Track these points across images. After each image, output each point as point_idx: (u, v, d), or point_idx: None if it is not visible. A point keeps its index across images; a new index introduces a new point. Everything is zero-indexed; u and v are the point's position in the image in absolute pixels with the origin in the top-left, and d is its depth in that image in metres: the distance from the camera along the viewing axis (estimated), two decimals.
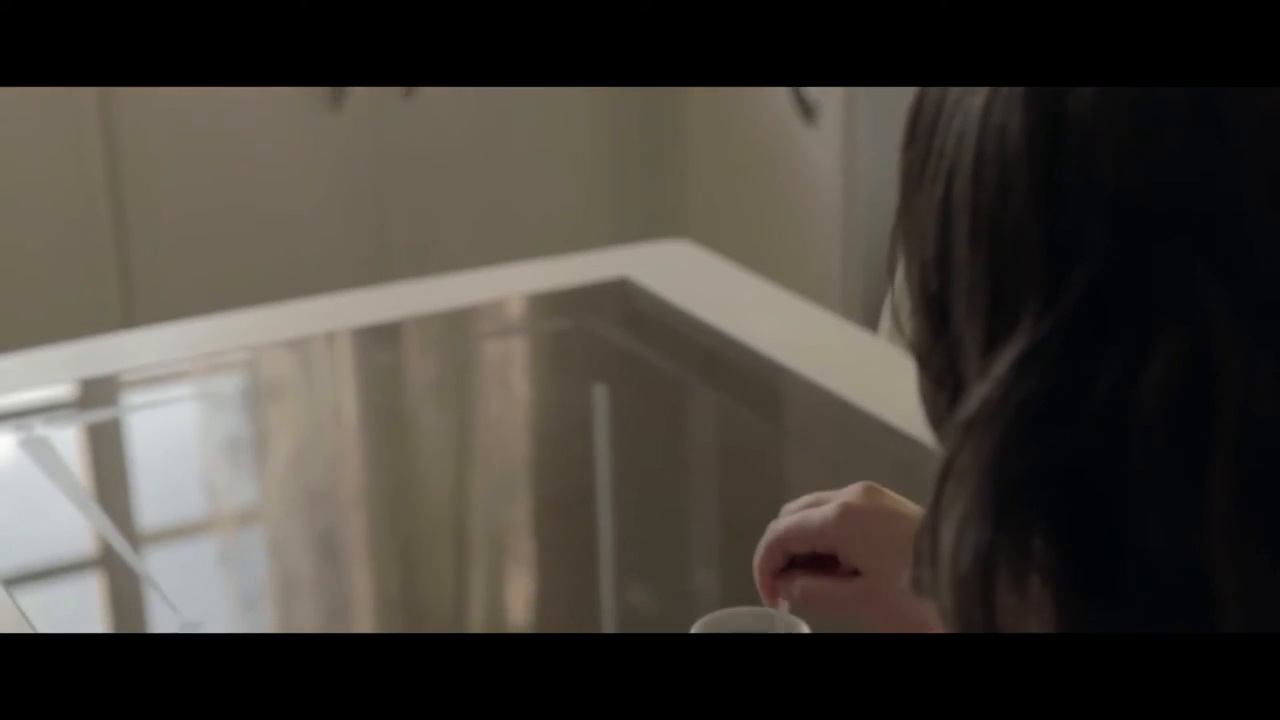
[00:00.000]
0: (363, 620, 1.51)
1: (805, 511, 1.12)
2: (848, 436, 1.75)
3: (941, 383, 0.61)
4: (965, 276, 0.59)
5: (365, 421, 1.90)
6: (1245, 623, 0.54)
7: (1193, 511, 0.54)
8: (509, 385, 1.99)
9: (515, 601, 1.57)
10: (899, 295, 0.65)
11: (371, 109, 3.02)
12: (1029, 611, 0.58)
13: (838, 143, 2.85)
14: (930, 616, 0.63)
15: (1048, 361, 0.56)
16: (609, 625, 1.49)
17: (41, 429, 1.74)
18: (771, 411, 1.89)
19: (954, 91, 0.59)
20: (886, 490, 0.98)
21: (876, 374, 1.81)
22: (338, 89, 2.91)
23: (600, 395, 1.91)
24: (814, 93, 2.85)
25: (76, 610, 1.51)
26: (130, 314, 2.94)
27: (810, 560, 1.15)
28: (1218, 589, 0.54)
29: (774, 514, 1.71)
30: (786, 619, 1.21)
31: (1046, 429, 0.56)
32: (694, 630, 1.20)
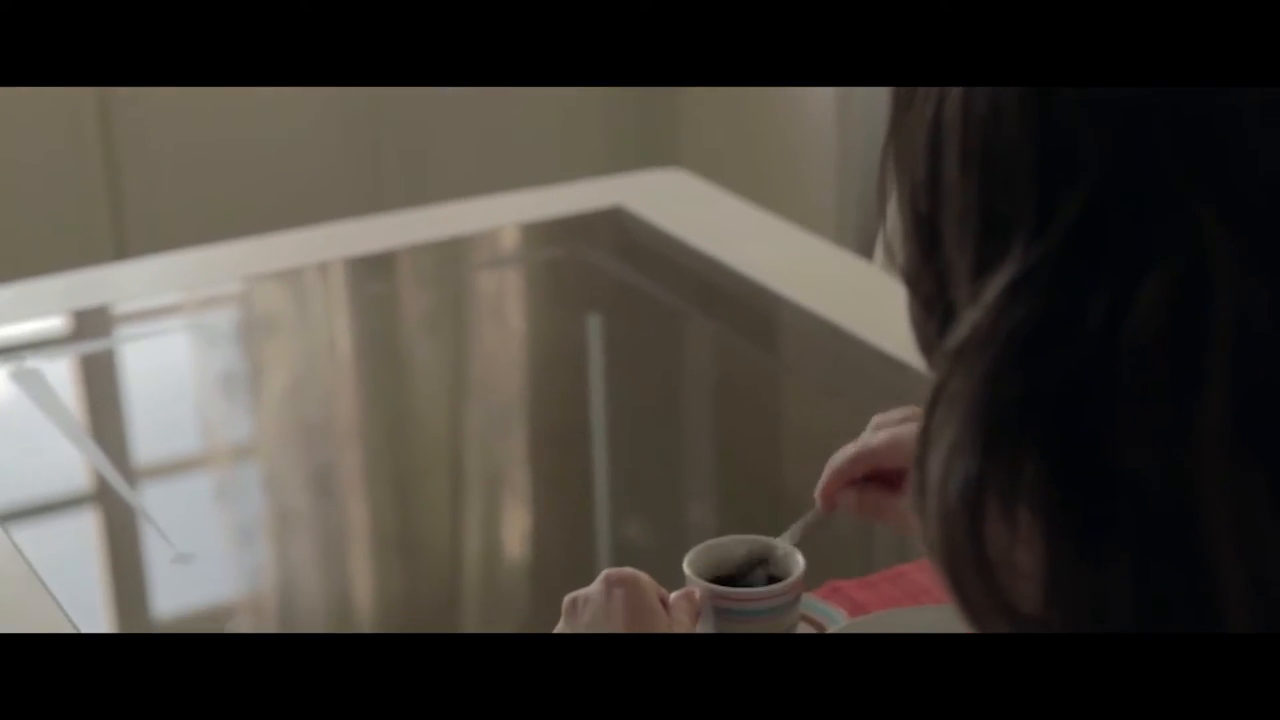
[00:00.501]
0: (358, 554, 1.51)
1: (901, 427, 1.16)
2: (844, 365, 1.75)
3: (931, 308, 0.60)
4: (956, 200, 0.58)
5: (360, 354, 1.89)
6: (1236, 551, 0.53)
7: (1185, 436, 0.53)
8: (503, 316, 1.99)
9: (511, 534, 1.57)
10: (891, 219, 0.64)
11: None
12: (1017, 543, 0.56)
13: None
14: None
15: (1039, 287, 0.55)
16: (604, 558, 1.49)
17: (33, 361, 1.73)
18: (767, 340, 1.89)
19: None
20: None
21: (872, 302, 1.81)
22: None
23: (595, 325, 1.91)
24: None
25: (71, 546, 1.51)
26: (122, 245, 2.93)
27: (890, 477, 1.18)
28: (1208, 515, 0.54)
29: (769, 443, 1.71)
30: (786, 548, 1.21)
31: (1037, 356, 0.55)
32: (687, 558, 1.20)
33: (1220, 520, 0.54)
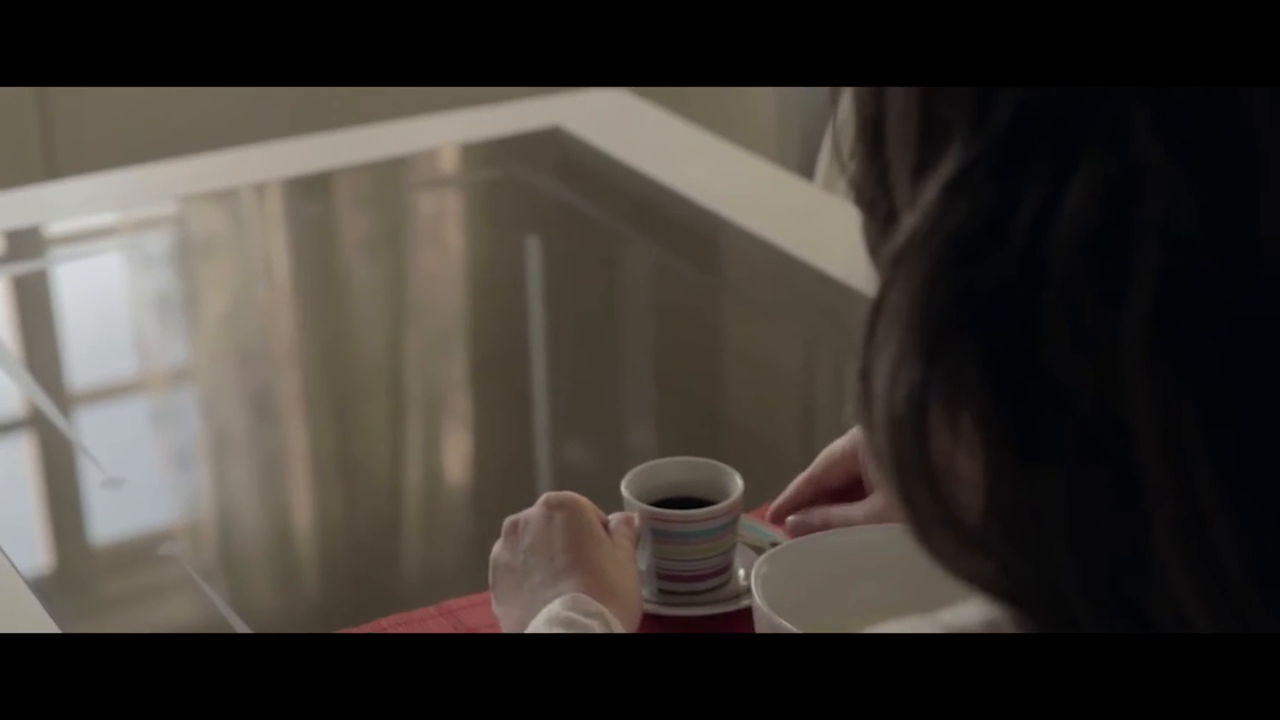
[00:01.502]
0: (296, 478, 1.50)
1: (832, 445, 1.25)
2: (785, 287, 1.74)
3: (876, 214, 0.60)
4: (898, 101, 0.57)
5: (297, 276, 1.87)
6: (1162, 459, 0.53)
7: (1111, 339, 0.53)
8: (442, 237, 1.97)
9: (450, 457, 1.56)
10: (840, 126, 0.63)
11: None
12: (960, 452, 0.56)
13: None
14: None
15: (975, 188, 0.54)
16: (544, 480, 1.49)
17: None
18: (707, 262, 1.88)
19: None
20: None
21: (813, 223, 1.80)
22: None
23: (534, 247, 1.89)
24: None
25: (4, 472, 1.49)
26: (53, 164, 2.89)
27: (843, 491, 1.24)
28: (1135, 422, 0.53)
29: (709, 365, 1.71)
30: (723, 468, 1.21)
31: (973, 259, 0.54)
32: (625, 480, 1.20)
33: (1146, 426, 0.53)
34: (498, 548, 1.15)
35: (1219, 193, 0.52)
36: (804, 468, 1.50)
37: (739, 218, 1.81)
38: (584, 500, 1.16)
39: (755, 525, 1.25)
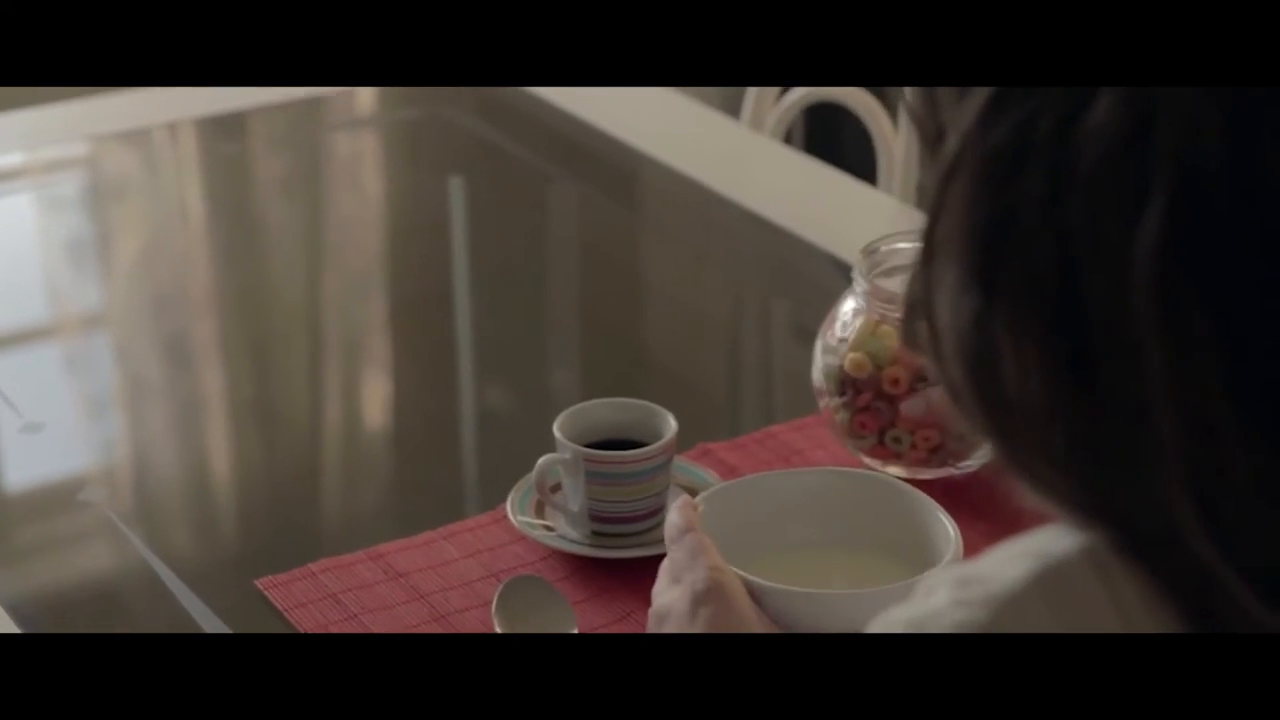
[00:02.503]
0: (214, 423, 1.47)
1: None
2: (711, 225, 1.73)
3: (926, 136, 0.60)
4: None
5: (212, 218, 1.84)
6: (1169, 382, 0.52)
7: (1123, 260, 0.52)
8: (361, 179, 1.94)
9: (371, 402, 1.54)
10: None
11: None
12: (1028, 379, 0.55)
13: None
14: None
15: (1008, 109, 0.54)
16: (467, 426, 1.47)
17: None
18: (633, 202, 1.86)
19: None
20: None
21: (739, 161, 1.79)
22: None
23: (456, 188, 1.87)
24: None
25: None
26: None
27: None
28: (1144, 349, 0.53)
29: (635, 307, 1.69)
30: (657, 409, 1.20)
31: (1008, 179, 0.54)
32: (558, 421, 1.18)
33: (1154, 353, 0.52)
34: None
35: (1238, 114, 0.52)
36: (733, 410, 1.49)
37: (665, 157, 1.79)
38: (734, 584, 0.94)
39: (689, 467, 1.24)
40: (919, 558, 1.02)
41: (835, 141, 2.06)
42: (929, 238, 0.57)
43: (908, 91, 0.61)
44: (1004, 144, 0.54)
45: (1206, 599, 0.54)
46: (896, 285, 1.20)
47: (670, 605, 0.93)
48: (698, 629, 0.91)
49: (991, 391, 0.56)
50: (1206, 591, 0.54)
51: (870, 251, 1.22)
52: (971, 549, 1.14)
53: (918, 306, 0.59)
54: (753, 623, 0.92)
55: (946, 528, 1.00)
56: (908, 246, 1.22)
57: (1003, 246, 0.55)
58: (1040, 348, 0.55)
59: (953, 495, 1.13)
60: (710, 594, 0.92)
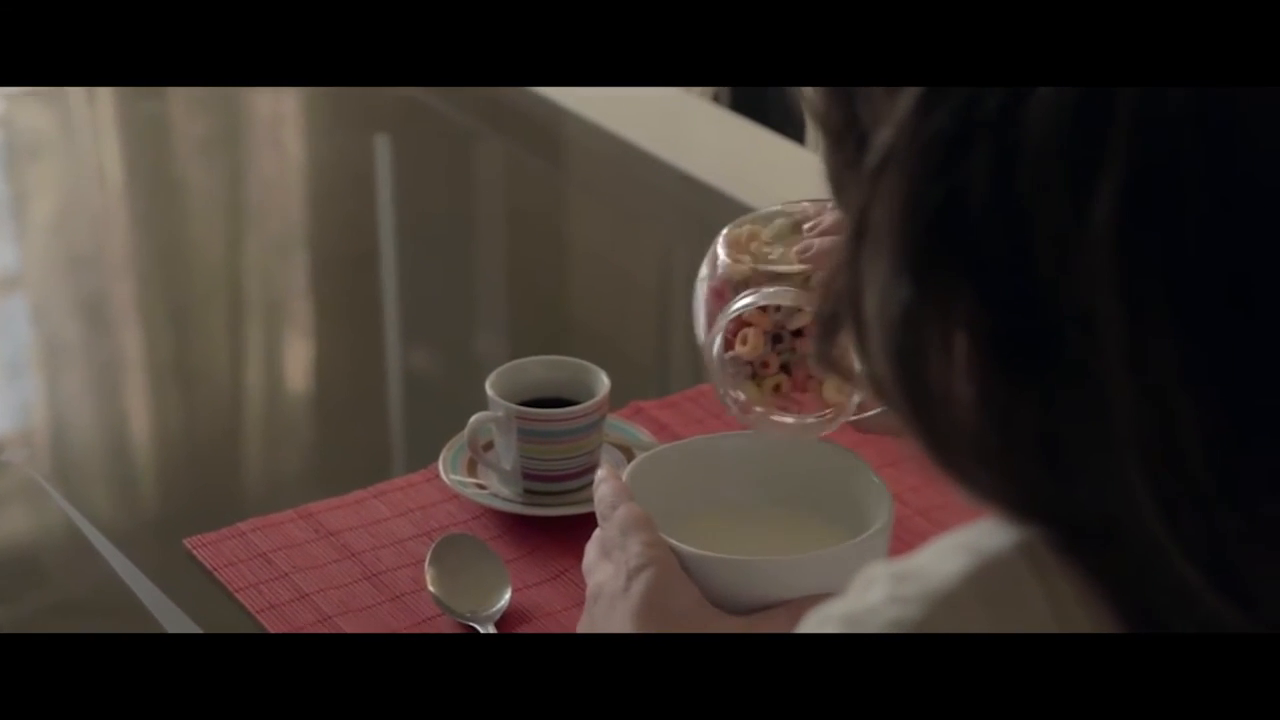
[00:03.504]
0: (133, 386, 1.45)
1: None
2: (639, 184, 1.72)
3: (843, 141, 0.58)
4: None
5: (131, 179, 1.81)
6: (1128, 361, 0.51)
7: (1078, 238, 0.51)
8: (282, 139, 1.91)
9: (293, 364, 1.52)
10: None
11: None
12: (956, 370, 0.54)
13: None
14: None
15: (950, 92, 0.53)
16: (394, 387, 1.45)
17: None
18: (560, 160, 1.85)
19: None
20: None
21: (668, 119, 1.78)
22: None
23: (382, 147, 1.84)
24: None
25: None
26: None
27: None
28: (1101, 323, 0.51)
29: (562, 267, 1.68)
30: (589, 367, 1.19)
31: (953, 161, 0.53)
32: (490, 379, 1.16)
33: (1111, 332, 0.51)
34: (582, 621, 0.96)
35: (1196, 87, 0.51)
36: (661, 371, 1.48)
37: (592, 115, 1.78)
38: (667, 559, 0.91)
39: (622, 425, 1.23)
40: (853, 520, 1.01)
41: (762, 100, 2.05)
42: (857, 229, 0.56)
43: (818, 97, 0.59)
44: (946, 127, 0.53)
45: (1145, 595, 0.53)
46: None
47: (603, 584, 0.91)
48: (631, 605, 0.89)
49: (921, 387, 0.55)
50: (1146, 587, 0.53)
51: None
52: (905, 507, 1.14)
53: (842, 302, 0.57)
54: (687, 597, 0.90)
55: (879, 488, 1.00)
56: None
57: (946, 232, 0.53)
58: (979, 339, 0.54)
59: (886, 454, 1.13)
60: (643, 571, 0.90)
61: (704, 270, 1.01)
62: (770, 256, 1.00)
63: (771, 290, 0.97)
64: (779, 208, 1.04)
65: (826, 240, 0.97)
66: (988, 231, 0.52)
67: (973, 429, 0.55)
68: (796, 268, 0.98)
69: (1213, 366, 0.51)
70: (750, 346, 0.98)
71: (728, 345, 0.99)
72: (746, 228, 1.01)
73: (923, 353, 0.55)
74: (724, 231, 1.02)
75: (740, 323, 0.98)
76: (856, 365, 0.58)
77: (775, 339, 0.99)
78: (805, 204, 1.04)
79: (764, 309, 0.97)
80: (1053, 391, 0.53)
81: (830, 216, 0.99)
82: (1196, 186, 0.51)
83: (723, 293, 0.99)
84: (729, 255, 0.99)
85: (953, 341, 0.54)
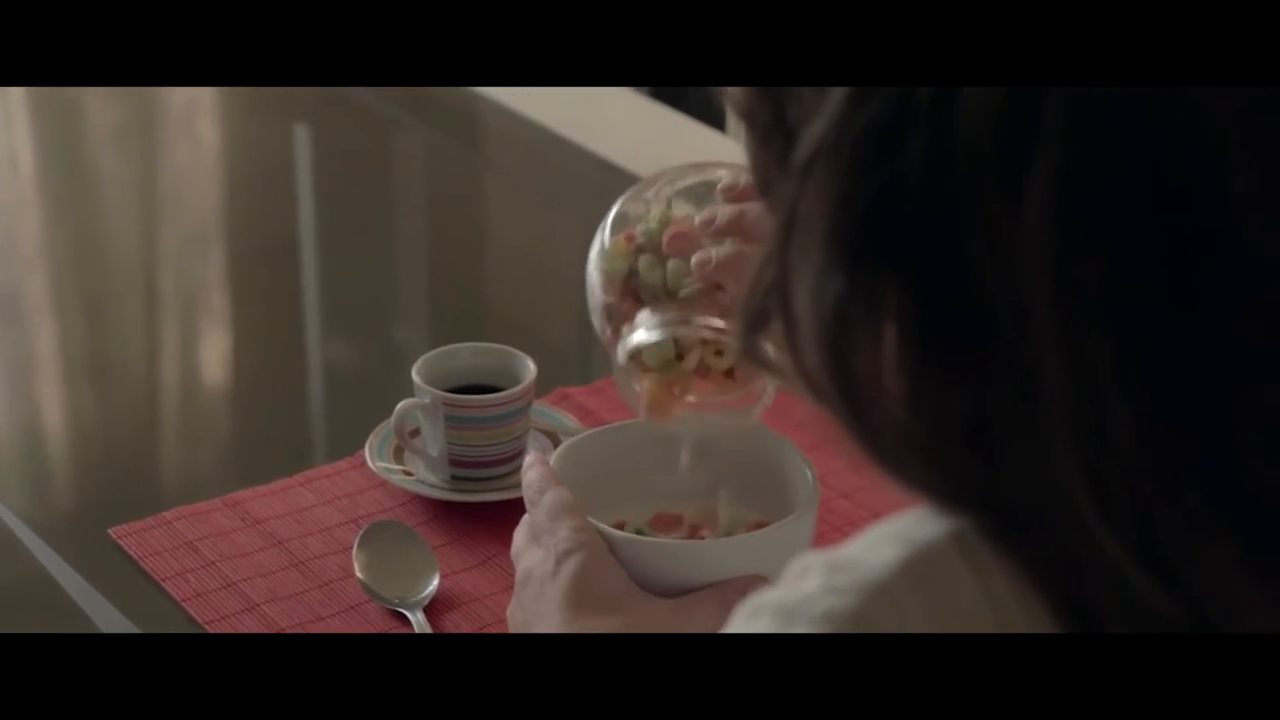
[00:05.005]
0: (47, 380, 1.43)
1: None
2: (559, 171, 1.72)
3: (770, 138, 0.58)
4: None
5: (42, 169, 1.79)
6: (1062, 348, 0.52)
7: (1012, 226, 0.52)
8: (197, 128, 1.90)
9: (210, 357, 1.51)
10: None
11: None
12: (886, 367, 0.55)
13: None
14: None
15: (884, 89, 0.53)
16: (315, 378, 1.44)
17: None
18: (479, 147, 1.84)
19: None
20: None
21: (586, 106, 1.78)
22: None
23: (300, 136, 1.83)
24: None
25: None
26: None
27: None
28: (1034, 310, 0.52)
29: (483, 256, 1.67)
30: (516, 354, 1.18)
31: (885, 153, 0.53)
32: (416, 366, 1.16)
33: (1044, 319, 0.52)
34: (511, 606, 0.95)
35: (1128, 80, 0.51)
36: (585, 357, 1.48)
37: (512, 102, 1.78)
38: (596, 543, 0.91)
39: (548, 411, 1.23)
40: (779, 503, 1.01)
41: (682, 87, 2.05)
42: (786, 224, 0.56)
43: (743, 97, 0.59)
44: (879, 121, 0.53)
45: (1075, 580, 0.54)
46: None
47: (531, 569, 0.91)
48: (560, 589, 0.89)
49: (851, 380, 0.56)
50: (1076, 572, 0.54)
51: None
52: (831, 490, 1.15)
53: (770, 295, 0.57)
54: (615, 581, 0.91)
55: (805, 471, 1.00)
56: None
57: (879, 225, 0.54)
58: (911, 330, 0.54)
59: (813, 437, 1.13)
60: (572, 554, 0.90)
61: (595, 251, 1.00)
62: (663, 271, 0.98)
63: (663, 322, 0.96)
64: (668, 173, 1.03)
65: (724, 251, 0.97)
66: (921, 223, 0.53)
67: (903, 421, 0.55)
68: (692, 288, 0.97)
69: (1146, 356, 0.52)
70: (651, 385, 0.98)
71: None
72: (641, 226, 1.00)
73: (853, 345, 0.55)
74: (615, 211, 1.01)
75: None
76: (782, 359, 0.59)
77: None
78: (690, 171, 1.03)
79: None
80: (984, 381, 0.53)
81: (725, 210, 0.99)
82: (1133, 176, 0.51)
83: (617, 288, 0.99)
84: (624, 257, 0.98)
85: (883, 333, 0.54)
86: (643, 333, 0.96)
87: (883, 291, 0.54)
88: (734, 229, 0.97)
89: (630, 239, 0.99)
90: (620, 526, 0.98)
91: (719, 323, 0.96)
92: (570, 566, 0.89)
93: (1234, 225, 0.52)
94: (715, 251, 0.96)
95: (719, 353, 0.99)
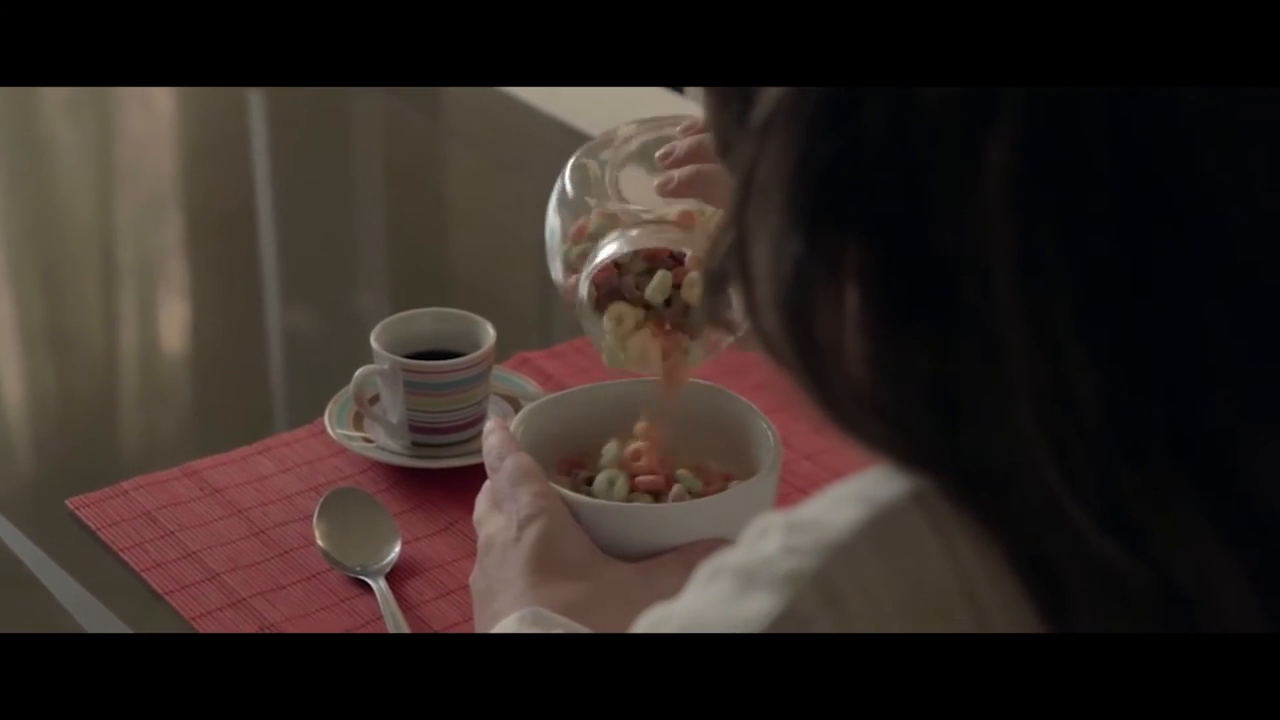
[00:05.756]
0: (5, 350, 1.42)
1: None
2: (516, 134, 1.71)
3: (729, 97, 0.58)
4: None
5: None
6: (1022, 306, 0.52)
7: (973, 185, 0.51)
8: (151, 95, 1.88)
9: (170, 324, 1.50)
10: None
11: None
12: (845, 324, 0.54)
13: None
14: None
15: None
16: (274, 345, 1.43)
17: None
18: (437, 111, 1.83)
19: None
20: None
21: None
22: None
23: (255, 102, 1.82)
24: None
25: None
26: None
27: None
28: (994, 269, 0.52)
29: (443, 221, 1.67)
30: (475, 319, 1.18)
31: (846, 113, 0.53)
32: (375, 332, 1.15)
33: (1005, 277, 0.52)
34: (474, 573, 0.94)
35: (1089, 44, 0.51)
36: (545, 322, 1.47)
37: None
38: (558, 507, 0.91)
39: (508, 376, 1.22)
40: (741, 465, 1.01)
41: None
42: (745, 185, 0.56)
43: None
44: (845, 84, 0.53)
45: (1037, 540, 0.53)
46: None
47: (494, 535, 0.91)
48: (522, 555, 0.89)
49: (810, 341, 0.55)
50: (1037, 532, 0.53)
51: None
52: (792, 451, 1.14)
53: (730, 257, 0.57)
54: (578, 546, 0.90)
55: (768, 434, 1.00)
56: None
57: (840, 185, 0.53)
58: (871, 290, 0.54)
59: (774, 399, 1.13)
60: (534, 520, 0.90)
61: (555, 196, 1.00)
62: (629, 205, 0.98)
63: (634, 235, 0.96)
64: (624, 130, 1.03)
65: (685, 170, 0.97)
66: (882, 183, 0.52)
67: (863, 382, 0.55)
68: (664, 213, 0.97)
69: (1108, 317, 0.52)
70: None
71: (597, 289, 0.98)
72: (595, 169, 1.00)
73: (812, 307, 0.55)
74: (572, 162, 1.01)
75: (607, 269, 0.97)
76: (742, 320, 0.59)
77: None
78: (635, 126, 1.03)
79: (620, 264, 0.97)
80: (945, 341, 0.53)
81: (684, 143, 0.99)
82: (1093, 134, 0.51)
83: (581, 235, 0.99)
84: (595, 211, 0.98)
85: (843, 294, 0.54)
86: (612, 248, 0.96)
87: (842, 252, 0.54)
88: (693, 157, 0.97)
89: (582, 231, 0.99)
90: (591, 478, 0.97)
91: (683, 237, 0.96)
92: (532, 532, 0.89)
93: (1199, 185, 0.51)
94: (676, 173, 0.97)
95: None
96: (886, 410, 0.55)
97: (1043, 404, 0.52)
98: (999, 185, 0.51)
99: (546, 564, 0.89)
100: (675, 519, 0.95)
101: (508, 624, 0.85)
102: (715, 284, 0.60)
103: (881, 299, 0.54)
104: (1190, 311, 0.52)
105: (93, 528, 1.10)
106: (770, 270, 0.55)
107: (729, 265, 0.57)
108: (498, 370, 1.20)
